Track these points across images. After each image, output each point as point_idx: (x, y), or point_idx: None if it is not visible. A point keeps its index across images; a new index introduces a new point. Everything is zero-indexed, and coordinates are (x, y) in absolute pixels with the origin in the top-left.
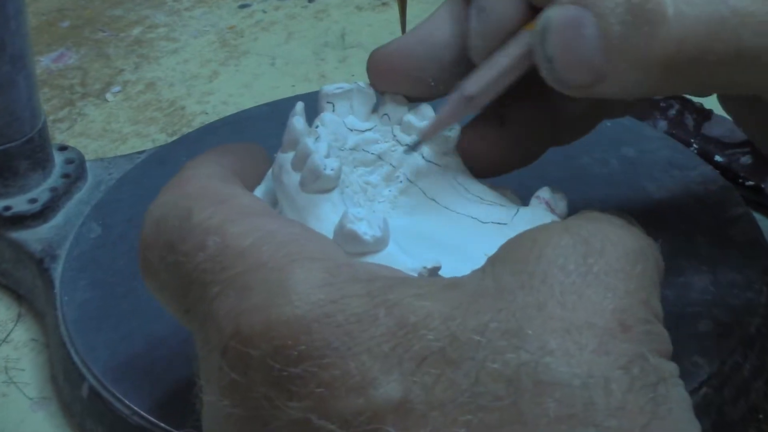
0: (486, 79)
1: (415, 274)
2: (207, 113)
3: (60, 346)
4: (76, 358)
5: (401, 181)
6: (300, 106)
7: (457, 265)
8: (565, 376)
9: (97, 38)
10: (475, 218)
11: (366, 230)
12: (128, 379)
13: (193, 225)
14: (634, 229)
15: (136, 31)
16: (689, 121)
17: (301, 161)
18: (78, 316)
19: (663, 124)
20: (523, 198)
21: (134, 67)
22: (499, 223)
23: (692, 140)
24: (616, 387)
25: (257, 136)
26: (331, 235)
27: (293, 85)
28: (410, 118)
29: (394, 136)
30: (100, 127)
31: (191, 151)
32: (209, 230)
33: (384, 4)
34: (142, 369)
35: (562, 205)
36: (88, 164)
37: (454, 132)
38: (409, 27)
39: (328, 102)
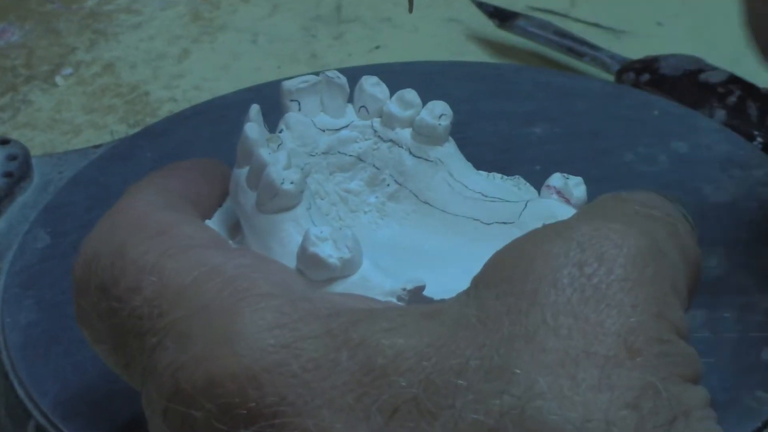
0: None
1: (393, 299)
2: (176, 100)
3: (1, 377)
4: (20, 391)
5: (388, 185)
6: (255, 110)
7: (455, 281)
8: (556, 423)
9: (45, 11)
10: (477, 219)
11: (331, 252)
12: (81, 415)
13: (126, 263)
14: (647, 218)
15: (91, 2)
16: (752, 110)
17: (257, 176)
18: (22, 341)
19: (721, 113)
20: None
21: (89, 45)
22: (504, 223)
23: (756, 133)
24: (619, 431)
25: (236, 128)
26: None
27: (279, 67)
28: (392, 107)
29: (375, 131)
30: (49, 117)
31: (156, 145)
32: (144, 268)
33: None
34: (97, 404)
35: (579, 193)
36: (34, 161)
37: (444, 119)
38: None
39: (291, 100)
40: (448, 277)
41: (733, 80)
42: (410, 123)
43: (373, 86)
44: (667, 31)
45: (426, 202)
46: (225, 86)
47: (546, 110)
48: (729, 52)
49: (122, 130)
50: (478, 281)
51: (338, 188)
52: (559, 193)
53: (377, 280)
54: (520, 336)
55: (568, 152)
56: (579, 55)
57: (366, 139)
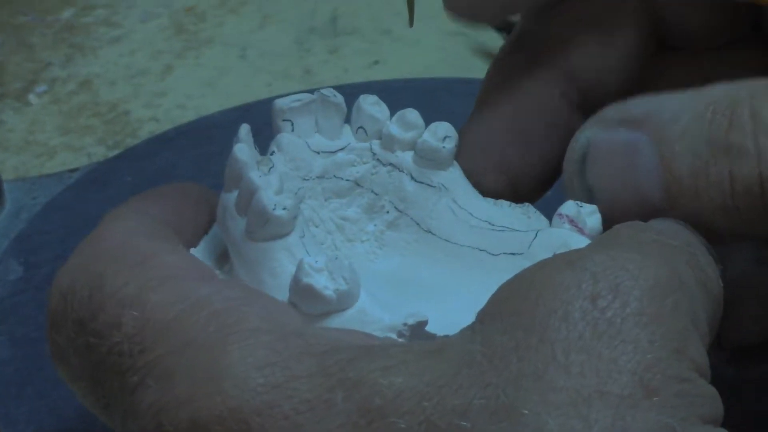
0: None
1: (393, 335)
2: (158, 120)
3: None
4: None
5: (388, 212)
6: (245, 129)
7: (459, 316)
8: None
9: (17, 23)
10: (484, 250)
11: (326, 284)
12: None
13: (105, 296)
14: (665, 247)
15: (67, 13)
16: None
17: (246, 201)
18: None
19: None
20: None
21: (65, 61)
22: (512, 254)
23: None
24: None
25: (224, 150)
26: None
27: (270, 84)
28: (392, 129)
29: (374, 154)
30: (21, 138)
31: (137, 168)
32: (124, 302)
33: None
34: None
35: (592, 222)
36: (5, 186)
37: (449, 142)
38: (418, 9)
39: (284, 120)
40: (452, 312)
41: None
42: (412, 146)
43: (371, 105)
44: None
45: (428, 231)
46: (211, 105)
47: None
48: None
49: (100, 153)
50: (483, 315)
51: (334, 215)
52: (572, 222)
53: (376, 314)
54: (528, 374)
55: None
56: None
57: (364, 163)
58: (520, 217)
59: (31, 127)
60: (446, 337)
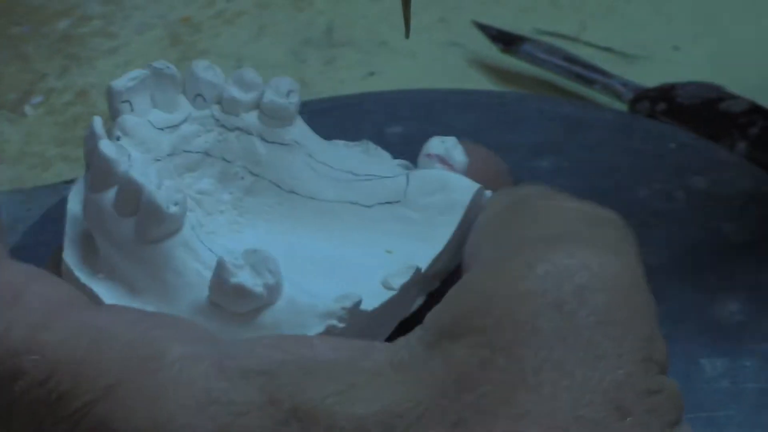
0: None
1: (334, 321)
2: None
3: None
4: None
5: (242, 178)
6: (98, 122)
7: (350, 280)
8: None
9: (12, 33)
10: (355, 203)
11: (255, 280)
12: None
13: None
14: (604, 225)
15: (62, 24)
16: None
17: (131, 202)
18: None
19: (743, 146)
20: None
21: (60, 71)
22: (389, 203)
23: None
24: None
25: None
26: (198, 292)
27: None
28: (233, 91)
29: (217, 120)
30: (17, 149)
31: None
32: (18, 348)
33: None
34: None
35: (459, 156)
36: (0, 197)
37: (293, 96)
38: (414, 21)
39: (123, 101)
40: (350, 274)
41: (756, 110)
42: (255, 105)
43: (206, 70)
44: (685, 56)
45: (291, 191)
46: None
47: (554, 142)
48: (751, 79)
49: None
50: (440, 330)
51: (190, 191)
52: (442, 160)
53: (306, 302)
54: (496, 397)
55: (577, 187)
56: (589, 83)
57: (209, 131)
58: (363, 155)
59: (27, 138)
60: (389, 352)
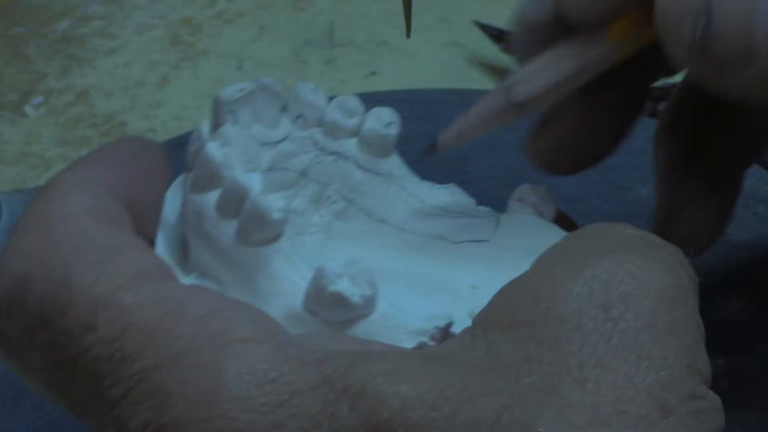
0: (544, 82)
1: (426, 339)
2: (155, 131)
3: None
4: None
5: (335, 202)
6: (205, 125)
7: (439, 306)
8: None
9: (12, 34)
10: (445, 238)
11: (353, 290)
12: None
13: (73, 293)
14: (661, 249)
15: (63, 25)
16: None
17: (234, 205)
18: None
19: None
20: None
21: (61, 72)
22: (477, 241)
23: None
24: None
25: None
26: (292, 299)
27: None
28: (335, 116)
29: (316, 142)
30: (17, 150)
31: None
32: (98, 302)
33: None
34: None
35: (548, 206)
36: (1, 197)
37: (393, 128)
38: (415, 21)
39: (228, 112)
40: (431, 304)
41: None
42: (355, 132)
43: (310, 92)
44: None
45: (381, 221)
46: (207, 116)
47: None
48: None
49: None
50: (485, 322)
51: None
52: (534, 206)
53: (400, 318)
54: (542, 388)
55: (579, 187)
56: None
57: (306, 152)
58: (451, 197)
59: (27, 139)
60: (437, 346)
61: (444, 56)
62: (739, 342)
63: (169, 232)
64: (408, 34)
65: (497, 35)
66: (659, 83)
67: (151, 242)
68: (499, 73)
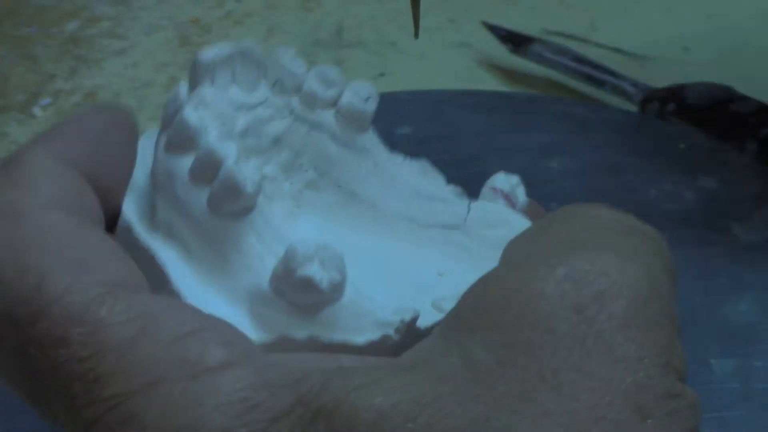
0: None
1: (390, 332)
2: None
3: None
4: None
5: (306, 171)
6: (183, 87)
7: (404, 294)
8: None
9: (21, 35)
10: (414, 220)
11: (322, 275)
12: None
13: (45, 301)
14: (637, 235)
15: (71, 26)
16: None
17: (208, 172)
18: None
19: (753, 146)
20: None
21: (69, 73)
22: (447, 227)
23: None
24: None
25: None
26: (259, 277)
27: None
28: (313, 86)
29: (293, 110)
30: None
31: None
32: (71, 315)
33: None
34: None
35: (521, 195)
36: None
37: (371, 103)
38: (423, 21)
39: (206, 72)
40: (397, 291)
41: (766, 111)
42: (333, 104)
43: (290, 59)
44: (695, 56)
45: (353, 194)
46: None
47: (564, 143)
48: (761, 80)
49: None
50: (457, 325)
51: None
52: (506, 197)
53: (367, 306)
54: (517, 395)
55: (587, 188)
56: (599, 84)
57: (282, 119)
58: (422, 175)
59: None
60: (410, 351)
61: (452, 57)
62: (748, 343)
63: (138, 186)
64: (416, 35)
65: (506, 36)
66: (665, 84)
67: (117, 217)
68: (507, 74)
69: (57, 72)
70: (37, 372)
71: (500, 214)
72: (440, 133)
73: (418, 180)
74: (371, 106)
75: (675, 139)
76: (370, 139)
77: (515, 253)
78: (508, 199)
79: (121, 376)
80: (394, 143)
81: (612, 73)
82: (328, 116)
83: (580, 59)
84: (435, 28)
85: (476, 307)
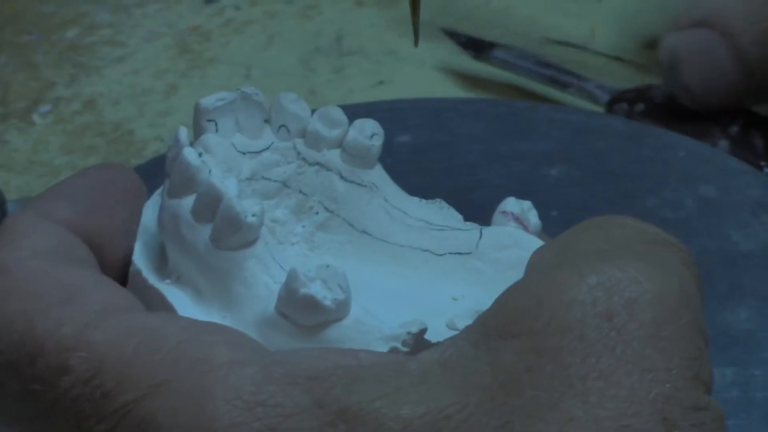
0: None
1: (398, 344)
2: (162, 139)
3: None
4: None
5: (317, 213)
6: (184, 132)
7: (416, 315)
8: None
9: (21, 42)
10: (426, 250)
11: (325, 294)
12: None
13: (39, 339)
14: (665, 247)
15: (71, 33)
16: (758, 140)
17: (209, 208)
18: None
19: (725, 144)
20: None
21: (69, 80)
22: (460, 253)
23: (763, 164)
24: None
25: None
26: (265, 304)
27: None
28: (317, 126)
29: (299, 153)
30: (26, 158)
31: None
32: (66, 345)
33: None
34: None
35: (534, 219)
36: (9, 205)
37: (377, 139)
38: (422, 29)
39: (209, 120)
40: (408, 313)
41: (737, 109)
42: (338, 143)
43: (293, 103)
44: None
45: (363, 232)
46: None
47: (563, 150)
48: None
49: None
50: (487, 330)
51: (265, 218)
52: (517, 219)
53: (373, 323)
54: (543, 402)
55: (586, 196)
56: (563, 86)
57: (289, 162)
58: (438, 211)
59: (35, 147)
60: (437, 346)
61: (452, 65)
62: (747, 351)
63: (148, 239)
64: (416, 43)
65: (466, 42)
66: (632, 85)
67: (119, 271)
68: (468, 80)
69: (57, 79)
70: (43, 408)
71: (512, 236)
72: (440, 140)
73: (432, 214)
74: (377, 143)
75: (674, 147)
76: (379, 175)
77: (543, 262)
78: (520, 222)
79: (128, 384)
80: (393, 151)
81: (577, 76)
82: (334, 156)
83: (544, 63)
84: (434, 36)
85: (506, 314)
